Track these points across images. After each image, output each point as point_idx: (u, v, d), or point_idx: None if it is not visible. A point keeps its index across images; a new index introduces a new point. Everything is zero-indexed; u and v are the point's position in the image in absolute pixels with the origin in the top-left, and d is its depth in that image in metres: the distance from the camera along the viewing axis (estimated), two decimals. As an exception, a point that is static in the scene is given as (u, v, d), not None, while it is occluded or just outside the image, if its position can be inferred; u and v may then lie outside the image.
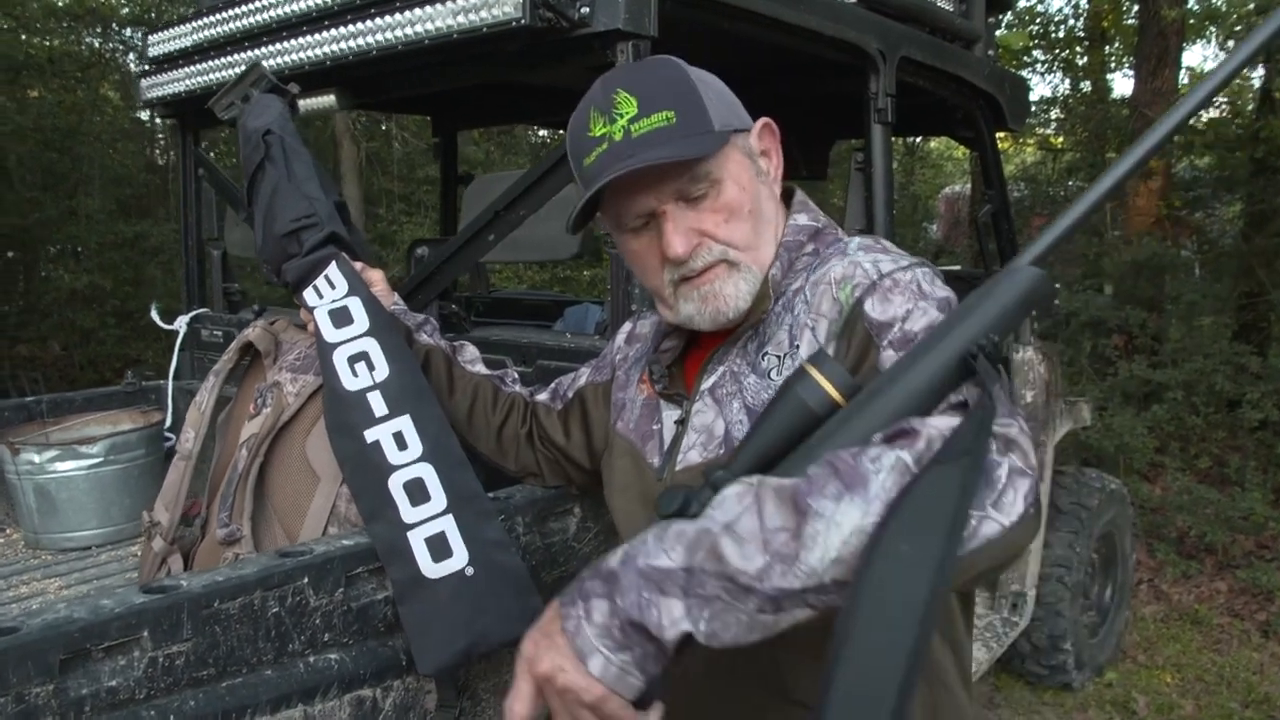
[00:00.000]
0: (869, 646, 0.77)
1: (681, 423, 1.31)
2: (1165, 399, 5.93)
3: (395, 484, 1.39)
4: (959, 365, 0.95)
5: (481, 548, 1.39)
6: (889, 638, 0.77)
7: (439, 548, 1.37)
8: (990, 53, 3.30)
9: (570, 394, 1.56)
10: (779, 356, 1.22)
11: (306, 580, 1.33)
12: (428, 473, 1.40)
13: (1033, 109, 8.91)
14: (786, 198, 1.35)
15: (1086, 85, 9.46)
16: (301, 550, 1.36)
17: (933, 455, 0.86)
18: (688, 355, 1.37)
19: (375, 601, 1.40)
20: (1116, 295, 6.90)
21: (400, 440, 1.42)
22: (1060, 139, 9.89)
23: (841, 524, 0.83)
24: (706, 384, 1.29)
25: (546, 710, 0.96)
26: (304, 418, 1.59)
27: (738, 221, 1.23)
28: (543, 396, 1.60)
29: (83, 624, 1.16)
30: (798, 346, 1.21)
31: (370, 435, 1.42)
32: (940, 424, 0.90)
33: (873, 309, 1.14)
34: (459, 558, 1.37)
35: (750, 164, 1.27)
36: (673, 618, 0.86)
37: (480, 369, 1.65)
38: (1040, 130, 9.95)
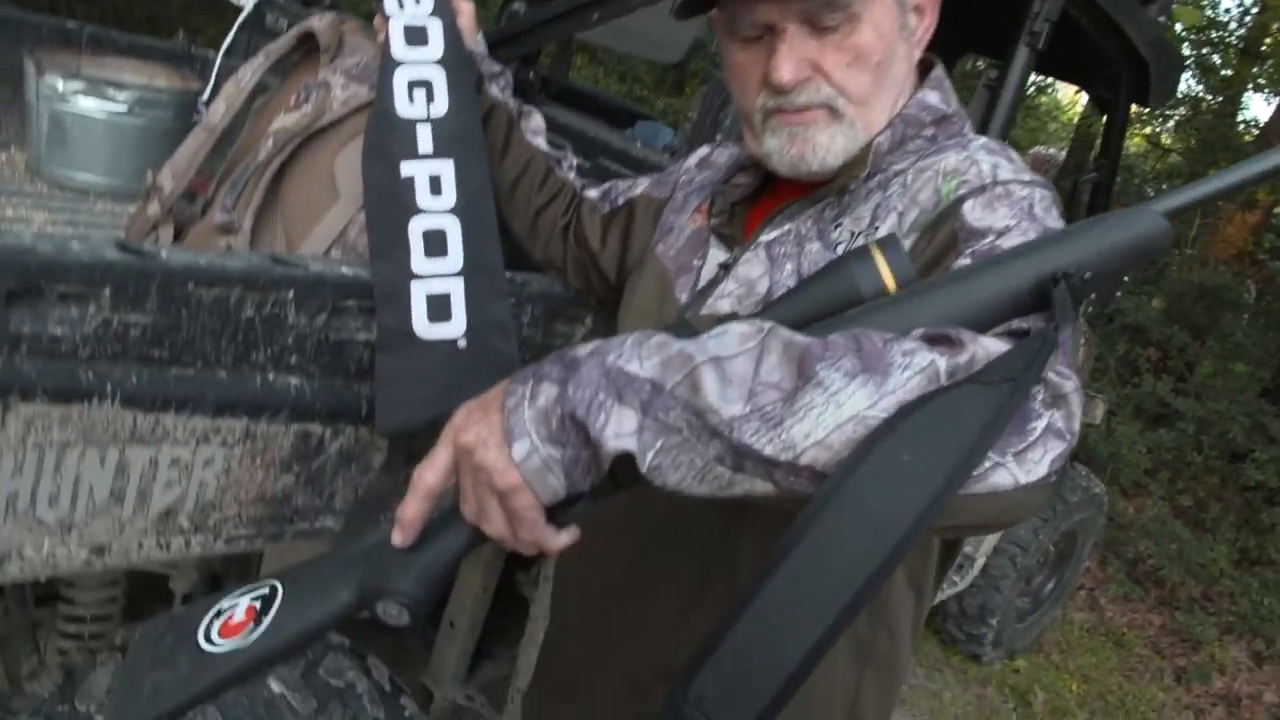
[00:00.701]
0: (823, 556, 0.68)
1: (726, 268, 1.18)
2: (1176, 427, 5.84)
3: (415, 228, 1.27)
4: (1035, 289, 0.82)
5: (481, 325, 1.28)
6: (851, 551, 0.67)
7: (439, 309, 1.26)
8: (1162, 18, 3.04)
9: (621, 200, 1.43)
10: (853, 233, 1.08)
11: (292, 294, 1.23)
12: (452, 227, 1.28)
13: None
14: (924, 70, 1.18)
15: (1219, 98, 9.01)
16: (296, 262, 1.25)
17: (970, 374, 0.74)
18: (757, 201, 1.23)
19: (355, 341, 1.30)
20: (1167, 311, 6.72)
21: (436, 185, 1.29)
22: (1170, 139, 9.50)
23: (842, 405, 0.72)
24: (766, 236, 1.16)
25: (455, 493, 0.86)
26: (343, 129, 1.46)
27: (861, 70, 1.08)
28: (592, 193, 1.47)
29: (43, 259, 1.05)
30: (876, 227, 1.07)
31: (406, 169, 1.29)
32: (991, 345, 0.77)
33: (971, 212, 0.98)
34: (455, 326, 1.27)
35: (898, 13, 1.10)
36: (620, 430, 0.75)
37: (540, 143, 1.51)
38: (1155, 125, 9.55)
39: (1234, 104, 8.79)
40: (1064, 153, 10.01)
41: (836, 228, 1.10)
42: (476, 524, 0.86)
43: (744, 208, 1.23)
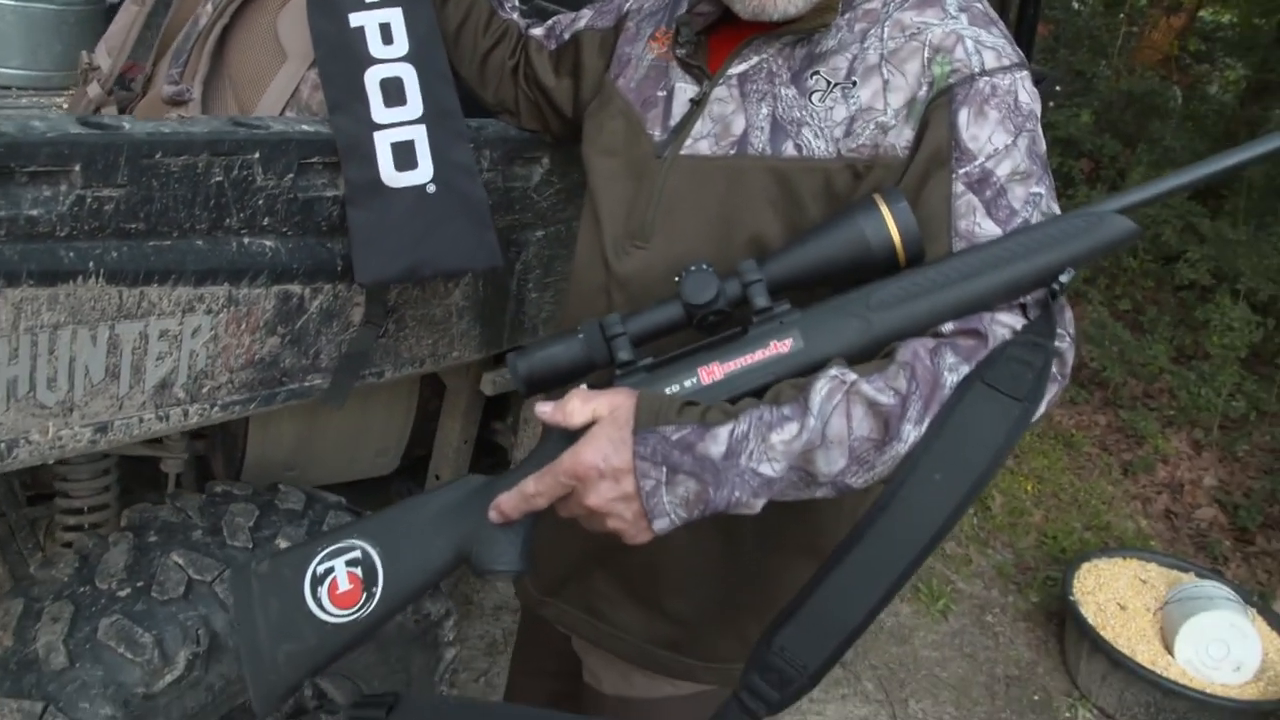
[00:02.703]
0: (879, 551, 0.90)
1: (697, 103, 1.19)
2: (1111, 235, 5.94)
3: (371, 78, 1.28)
4: (1035, 284, 0.98)
5: (447, 168, 1.30)
6: (900, 546, 0.90)
7: (404, 157, 1.28)
8: None
9: (567, 35, 1.42)
10: (829, 83, 1.11)
11: (257, 156, 1.24)
12: (408, 75, 1.29)
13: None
14: None
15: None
16: (257, 123, 1.26)
17: (990, 372, 0.92)
18: (718, 29, 1.22)
19: (324, 198, 1.32)
20: (1097, 121, 6.79)
21: (386, 33, 1.29)
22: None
23: (910, 440, 0.93)
24: (737, 69, 1.17)
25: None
26: (281, -13, 1.43)
27: None
28: (538, 31, 1.47)
29: (8, 140, 1.06)
30: (855, 82, 1.10)
31: (355, 19, 1.28)
32: (1006, 321, 0.97)
33: (964, 124, 1.05)
34: (423, 172, 1.29)
35: None
36: (749, 505, 0.96)
37: (482, -15, 1.49)
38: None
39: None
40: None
41: (812, 76, 1.12)
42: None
43: (706, 36, 1.22)
